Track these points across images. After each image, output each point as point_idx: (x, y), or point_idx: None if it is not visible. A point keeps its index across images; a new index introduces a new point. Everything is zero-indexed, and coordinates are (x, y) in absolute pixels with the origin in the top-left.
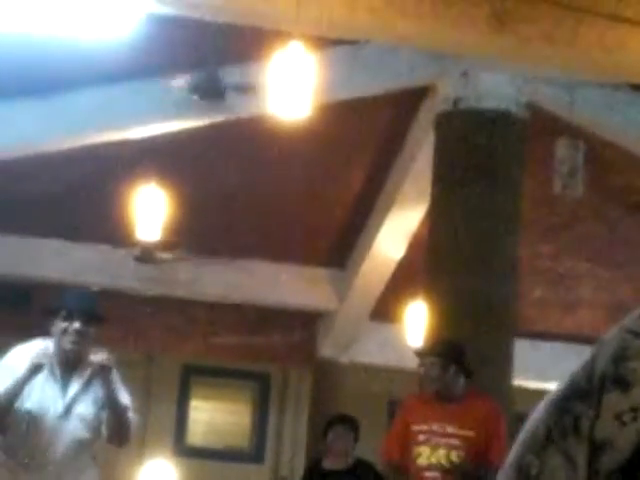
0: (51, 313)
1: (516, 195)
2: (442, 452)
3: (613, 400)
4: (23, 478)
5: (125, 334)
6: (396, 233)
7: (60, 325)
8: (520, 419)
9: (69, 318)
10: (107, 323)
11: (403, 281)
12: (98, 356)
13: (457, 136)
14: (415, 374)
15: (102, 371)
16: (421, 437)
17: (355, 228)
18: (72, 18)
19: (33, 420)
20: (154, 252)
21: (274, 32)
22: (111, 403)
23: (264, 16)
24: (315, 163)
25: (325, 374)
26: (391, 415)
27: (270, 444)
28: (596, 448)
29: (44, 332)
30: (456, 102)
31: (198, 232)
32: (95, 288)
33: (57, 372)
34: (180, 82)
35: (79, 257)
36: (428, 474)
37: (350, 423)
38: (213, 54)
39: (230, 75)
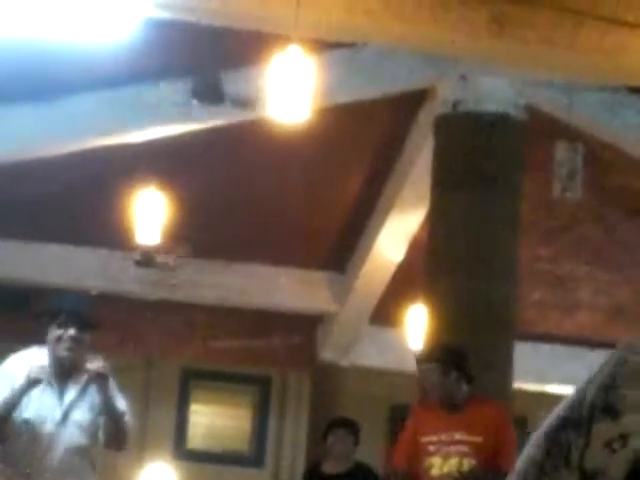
0: (45, 318)
1: (515, 198)
2: (454, 461)
3: (603, 429)
4: None
5: (125, 338)
6: (396, 236)
7: (55, 332)
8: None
9: (64, 325)
10: (107, 327)
11: (403, 284)
12: (94, 364)
13: (456, 139)
14: (415, 377)
15: (98, 379)
16: (431, 448)
17: (355, 231)
18: (71, 22)
19: (31, 429)
20: (154, 256)
21: (272, 36)
22: (108, 410)
23: (262, 20)
24: (314, 166)
25: (325, 378)
26: (392, 418)
27: (270, 448)
28: (587, 477)
29: (44, 337)
30: (455, 105)
31: (198, 236)
32: (94, 292)
33: (53, 380)
34: (178, 86)
35: (79, 261)
36: None
37: (350, 427)
38: (212, 58)
39: (229, 79)
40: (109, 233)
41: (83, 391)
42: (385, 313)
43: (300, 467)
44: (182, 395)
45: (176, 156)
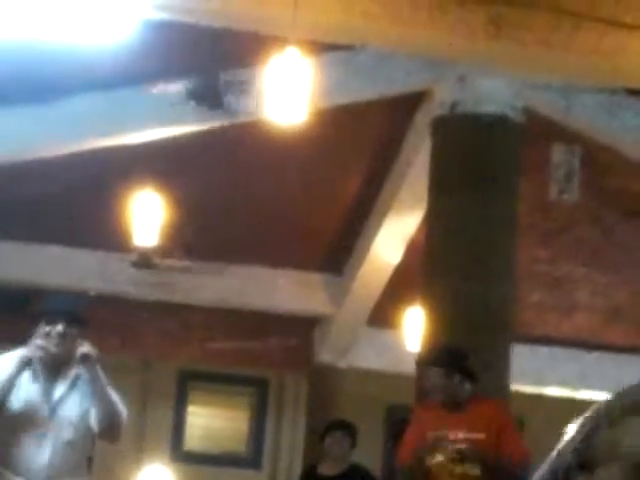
0: (35, 317)
1: (513, 200)
2: (457, 459)
3: None
4: None
5: (122, 340)
6: (393, 238)
7: (43, 329)
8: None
9: (52, 322)
10: (104, 329)
11: (400, 286)
12: (82, 348)
13: (454, 141)
14: (413, 379)
15: (85, 360)
16: (433, 445)
17: (352, 233)
18: (70, 24)
19: (20, 424)
20: (151, 257)
21: (270, 37)
22: (98, 393)
23: (260, 21)
24: (312, 168)
25: (322, 379)
26: (389, 420)
27: (267, 449)
28: None
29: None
30: (452, 107)
31: (195, 237)
32: (92, 293)
33: (41, 375)
34: (176, 87)
35: (77, 262)
36: None
37: (348, 429)
38: (210, 59)
39: (227, 81)
40: (107, 235)
41: (72, 386)
42: (382, 315)
43: (297, 469)
44: (179, 397)
45: (174, 158)
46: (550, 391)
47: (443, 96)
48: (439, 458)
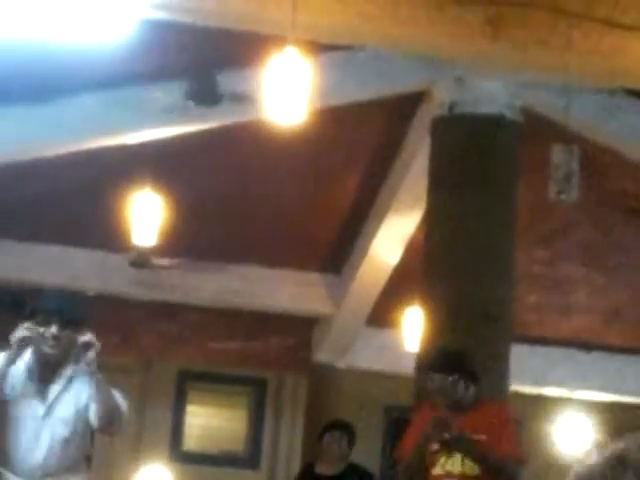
0: (30, 317)
1: (511, 200)
2: (456, 459)
3: None
4: None
5: (120, 340)
6: (392, 238)
7: (36, 328)
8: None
9: (45, 322)
10: (102, 329)
11: (399, 286)
12: (84, 337)
13: (453, 141)
14: (412, 379)
15: (87, 348)
16: (435, 446)
17: (351, 233)
18: (68, 23)
19: (16, 424)
20: (150, 257)
21: (269, 37)
22: (98, 386)
23: (259, 21)
24: (310, 168)
25: (321, 379)
26: (387, 420)
27: (266, 450)
28: None
29: None
30: (451, 107)
31: (193, 237)
32: (91, 293)
33: (36, 377)
34: (175, 87)
35: (75, 262)
36: None
37: (346, 429)
38: (208, 60)
39: (225, 81)
40: (105, 234)
41: (67, 386)
42: (381, 315)
43: (295, 469)
44: (178, 397)
45: (172, 158)
46: (549, 391)
47: (442, 96)
48: (434, 447)
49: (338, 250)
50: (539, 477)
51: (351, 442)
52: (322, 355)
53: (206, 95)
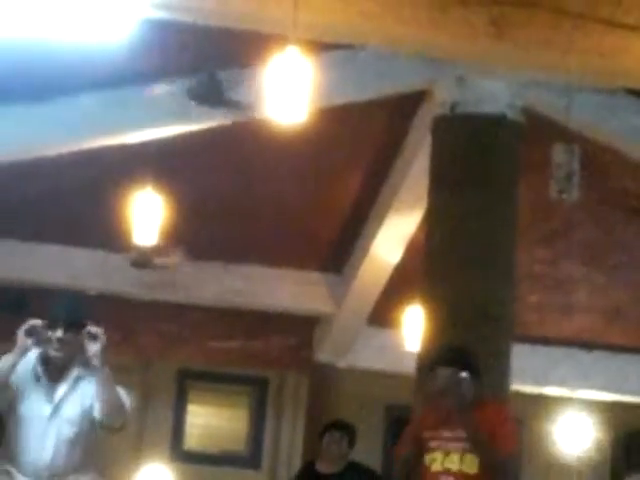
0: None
1: (512, 200)
2: (455, 457)
3: None
4: None
5: (121, 339)
6: (393, 238)
7: (44, 332)
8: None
9: (52, 326)
10: (103, 328)
11: (400, 286)
12: (91, 327)
13: (454, 141)
14: (412, 379)
15: (93, 338)
16: (433, 444)
17: (352, 233)
18: (69, 22)
19: (24, 425)
20: (151, 257)
21: (270, 37)
22: (103, 382)
23: (260, 20)
24: (312, 168)
25: (322, 379)
26: (388, 419)
27: (267, 449)
28: None
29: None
30: (453, 107)
31: (195, 237)
32: (92, 293)
33: (43, 377)
34: (176, 87)
35: (76, 262)
36: (443, 479)
37: (346, 429)
38: (210, 59)
39: (227, 80)
40: (106, 234)
41: (73, 387)
42: (382, 314)
43: (296, 468)
44: (179, 396)
45: (174, 157)
46: (551, 391)
47: (443, 96)
48: (433, 444)
49: (339, 249)
50: (540, 476)
51: (351, 442)
52: (323, 354)
53: (208, 94)
